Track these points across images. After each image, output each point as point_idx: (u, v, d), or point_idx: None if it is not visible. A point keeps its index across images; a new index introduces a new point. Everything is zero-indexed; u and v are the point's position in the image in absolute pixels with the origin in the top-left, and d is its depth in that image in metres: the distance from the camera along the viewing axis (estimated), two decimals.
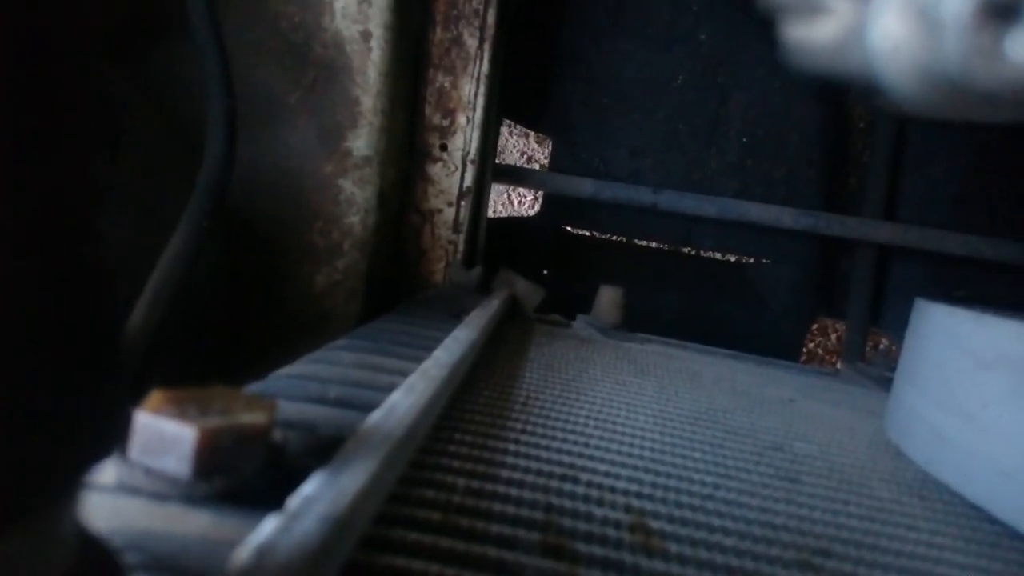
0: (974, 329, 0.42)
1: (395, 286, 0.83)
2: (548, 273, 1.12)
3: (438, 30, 0.83)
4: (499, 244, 1.03)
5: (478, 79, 0.84)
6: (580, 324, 0.81)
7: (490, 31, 0.83)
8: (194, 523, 0.21)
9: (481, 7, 0.82)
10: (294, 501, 0.21)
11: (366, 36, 0.70)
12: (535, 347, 0.67)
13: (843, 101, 1.16)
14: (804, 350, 1.71)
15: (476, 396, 0.47)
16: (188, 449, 0.22)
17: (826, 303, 1.20)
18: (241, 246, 0.71)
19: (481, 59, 0.84)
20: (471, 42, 0.83)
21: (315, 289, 0.72)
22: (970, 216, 1.12)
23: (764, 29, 0.85)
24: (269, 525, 0.20)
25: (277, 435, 0.27)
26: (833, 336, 1.71)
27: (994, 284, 1.12)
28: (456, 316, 0.60)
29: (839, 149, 1.16)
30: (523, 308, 0.82)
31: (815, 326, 1.69)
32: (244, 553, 0.18)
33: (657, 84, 1.11)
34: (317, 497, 0.21)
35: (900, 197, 1.14)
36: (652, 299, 1.15)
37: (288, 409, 0.32)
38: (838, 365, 1.17)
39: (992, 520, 0.40)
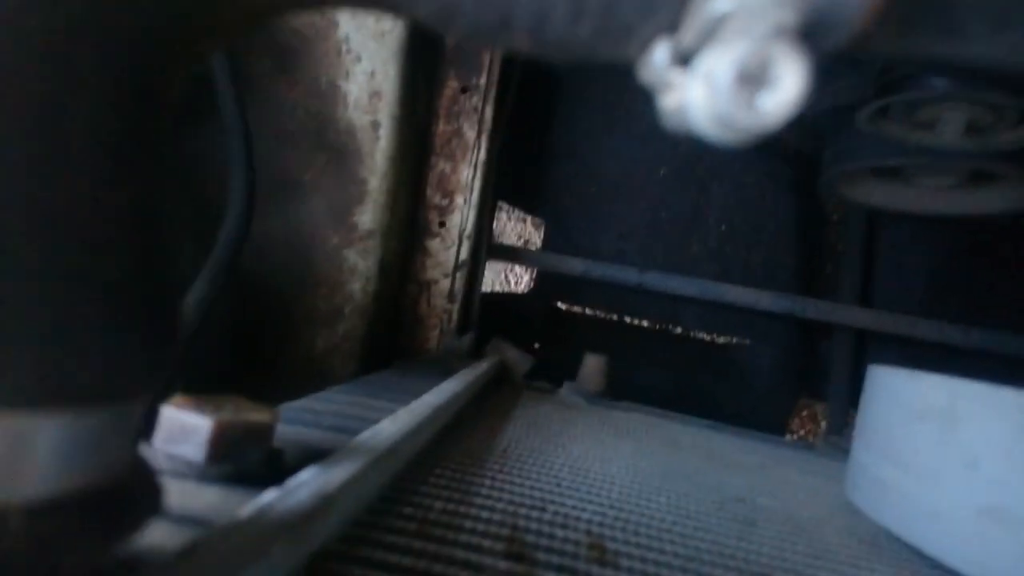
0: (909, 385, 0.46)
1: (391, 352, 0.88)
2: (539, 347, 1.16)
3: (441, 123, 0.93)
4: (492, 319, 1.08)
5: (476, 166, 0.92)
6: (566, 391, 0.85)
7: (487, 125, 0.93)
8: (205, 497, 0.25)
9: (480, 104, 0.92)
10: (291, 482, 0.25)
11: (375, 126, 0.79)
12: (521, 408, 0.71)
13: (815, 194, 1.25)
14: (794, 436, 1.72)
15: (458, 442, 0.51)
16: (204, 437, 0.26)
17: (808, 385, 1.23)
18: (249, 308, 0.76)
19: (479, 149, 0.93)
20: (470, 134, 0.93)
21: (315, 351, 0.77)
22: (942, 304, 1.18)
23: None
24: (269, 495, 0.24)
25: (277, 443, 0.31)
26: (823, 422, 1.73)
27: (967, 370, 1.16)
28: (446, 374, 0.64)
29: (814, 238, 1.24)
30: (512, 374, 0.86)
31: (804, 412, 1.71)
32: (247, 509, 0.22)
33: (641, 175, 1.21)
34: (310, 480, 0.25)
35: (874, 284, 1.20)
36: (639, 376, 1.18)
37: (286, 431, 0.36)
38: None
39: (935, 565, 0.42)
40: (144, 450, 0.18)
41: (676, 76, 0.17)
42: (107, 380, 0.14)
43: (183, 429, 0.26)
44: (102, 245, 0.13)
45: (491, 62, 0.91)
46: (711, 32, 0.16)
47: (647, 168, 1.21)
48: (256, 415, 0.28)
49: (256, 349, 0.76)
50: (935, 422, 0.41)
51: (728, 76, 0.15)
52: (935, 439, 0.41)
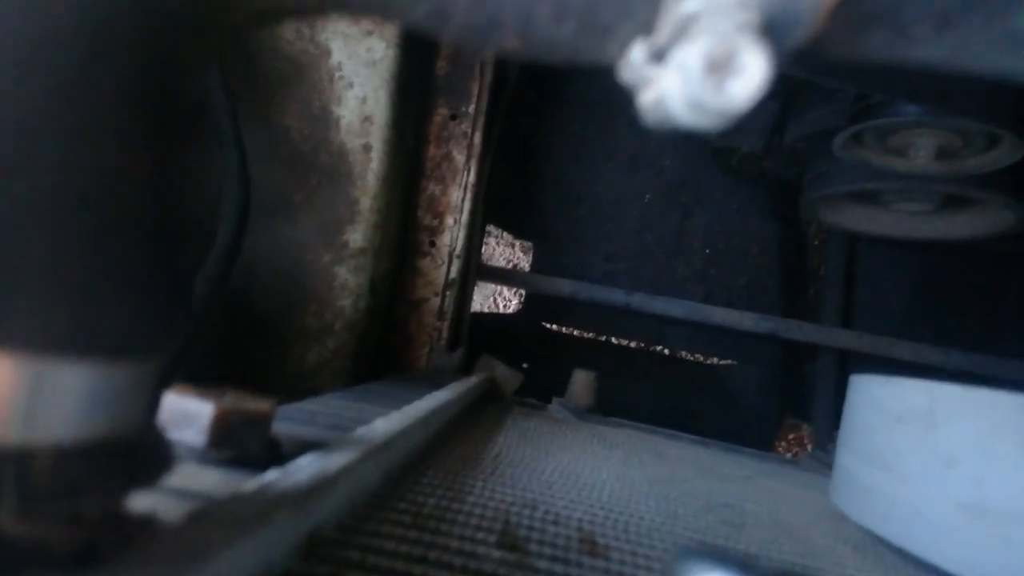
0: (888, 390, 0.48)
1: (380, 369, 0.88)
2: (527, 367, 1.17)
3: (431, 147, 0.95)
4: (481, 339, 1.09)
5: (465, 188, 0.94)
6: (555, 407, 0.85)
7: (476, 149, 0.95)
8: (207, 478, 0.26)
9: (469, 130, 0.95)
10: (291, 465, 0.26)
11: (367, 148, 0.81)
12: (511, 421, 0.71)
13: (796, 220, 1.28)
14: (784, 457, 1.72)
15: (450, 449, 0.51)
16: (205, 423, 0.27)
17: (793, 406, 1.25)
18: (239, 325, 0.77)
19: (468, 172, 0.95)
20: (460, 158, 0.95)
21: (305, 367, 0.77)
22: (919, 325, 1.21)
23: (719, 159, 0.98)
24: (271, 474, 0.24)
25: (274, 437, 0.32)
26: (809, 446, 1.73)
27: None
28: (437, 387, 0.65)
29: (795, 261, 1.27)
30: (502, 391, 0.87)
31: (791, 434, 1.72)
32: (250, 485, 0.23)
33: (627, 201, 1.24)
34: (310, 464, 0.26)
35: (855, 306, 1.23)
36: (627, 395, 1.19)
37: (282, 428, 0.37)
38: None
39: (919, 565, 0.43)
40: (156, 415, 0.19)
41: (652, 71, 0.19)
42: (131, 334, 0.15)
43: (185, 415, 0.27)
44: (133, 204, 0.15)
45: (480, 91, 0.94)
46: (682, 30, 0.18)
47: (633, 193, 1.24)
48: (256, 404, 0.29)
49: (246, 366, 0.76)
50: (915, 424, 0.43)
51: (698, 64, 0.16)
52: (915, 441, 0.43)
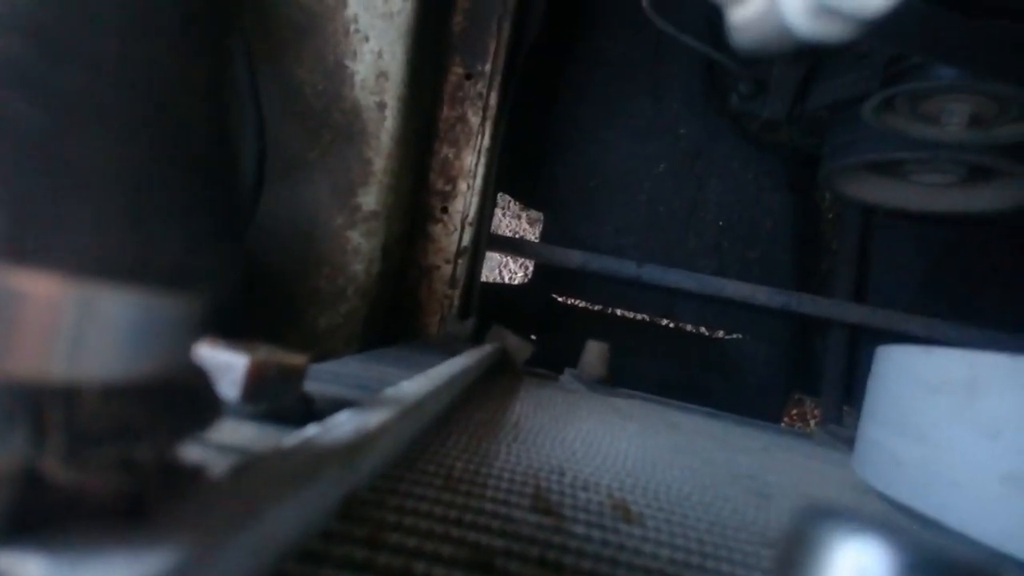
0: (925, 360, 0.47)
1: (391, 335, 0.87)
2: (535, 338, 1.16)
3: (445, 108, 0.92)
4: (490, 309, 1.08)
5: (479, 152, 0.92)
6: (567, 378, 0.84)
7: (491, 112, 0.92)
8: (243, 432, 0.24)
9: (484, 90, 0.92)
10: (329, 420, 0.25)
11: (381, 106, 0.78)
12: (524, 390, 0.70)
13: (811, 192, 1.26)
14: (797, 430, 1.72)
15: (470, 415, 0.50)
16: (239, 375, 0.25)
17: (802, 380, 1.24)
18: (251, 287, 0.75)
19: (483, 135, 0.92)
20: (474, 120, 0.93)
21: (318, 330, 0.76)
22: (935, 301, 1.20)
23: (735, 127, 0.96)
24: (311, 429, 0.23)
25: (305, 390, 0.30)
26: (812, 421, 1.74)
27: None
28: (452, 354, 0.64)
29: (810, 235, 1.25)
30: (513, 362, 0.85)
31: (794, 411, 1.73)
32: (292, 440, 0.22)
33: (640, 170, 1.21)
34: (348, 420, 0.25)
35: (869, 281, 1.22)
36: (635, 368, 1.19)
37: (310, 387, 0.35)
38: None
39: (953, 538, 0.43)
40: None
41: None
42: (186, 266, 0.14)
43: (218, 368, 0.26)
44: (190, 118, 0.13)
45: (496, 49, 0.91)
46: None
47: (646, 163, 1.22)
48: (289, 358, 0.27)
49: (257, 328, 0.75)
50: (953, 394, 0.42)
51: None
52: (954, 411, 0.42)
